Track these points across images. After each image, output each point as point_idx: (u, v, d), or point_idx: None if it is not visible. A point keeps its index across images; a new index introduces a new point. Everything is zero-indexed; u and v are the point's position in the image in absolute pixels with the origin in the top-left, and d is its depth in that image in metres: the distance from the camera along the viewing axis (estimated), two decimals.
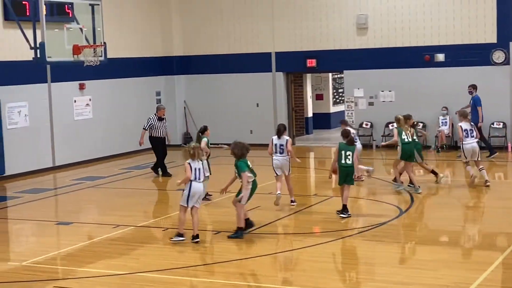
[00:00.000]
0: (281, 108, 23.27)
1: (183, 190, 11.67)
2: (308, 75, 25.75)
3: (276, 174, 13.92)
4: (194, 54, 24.14)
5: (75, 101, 20.73)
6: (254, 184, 11.87)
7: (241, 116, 23.40)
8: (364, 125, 22.21)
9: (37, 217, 14.24)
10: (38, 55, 15.71)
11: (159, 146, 18.28)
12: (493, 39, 20.58)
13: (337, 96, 27.85)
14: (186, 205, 11.58)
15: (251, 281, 10.05)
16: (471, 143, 15.44)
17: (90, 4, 16.91)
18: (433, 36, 21.23)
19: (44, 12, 15.61)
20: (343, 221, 12.81)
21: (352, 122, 22.06)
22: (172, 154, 22.42)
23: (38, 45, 15.66)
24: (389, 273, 9.96)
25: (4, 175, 18.38)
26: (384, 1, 21.67)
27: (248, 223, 12.05)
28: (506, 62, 20.52)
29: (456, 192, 15.55)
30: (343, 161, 13.01)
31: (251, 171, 11.77)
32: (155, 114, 18.31)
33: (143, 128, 18.31)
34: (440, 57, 21.24)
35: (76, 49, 16.13)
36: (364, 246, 11.38)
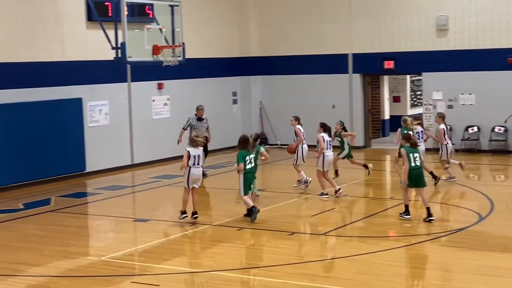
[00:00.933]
0: (357, 110, 23.09)
1: (184, 175, 13.07)
2: (386, 77, 25.45)
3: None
4: (270, 55, 24.21)
5: (153, 100, 21.09)
6: (250, 176, 13.17)
7: (316, 117, 23.09)
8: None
9: (116, 213, 14.54)
10: (119, 55, 16.08)
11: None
12: None
13: (415, 99, 27.43)
14: (187, 187, 13.11)
15: (325, 283, 9.99)
16: None
17: (170, 5, 17.22)
18: None
19: (126, 13, 15.98)
20: (408, 224, 12.61)
21: (430, 125, 21.71)
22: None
23: (119, 45, 16.03)
24: (467, 281, 9.72)
25: (85, 171, 18.85)
26: (466, 2, 21.22)
27: (253, 211, 12.96)
28: None
29: None
30: (412, 164, 12.81)
31: (251, 162, 13.11)
32: (195, 114, 18.40)
33: (183, 128, 18.37)
34: None
35: (156, 49, 16.44)
36: (441, 251, 11.16)
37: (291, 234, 12.33)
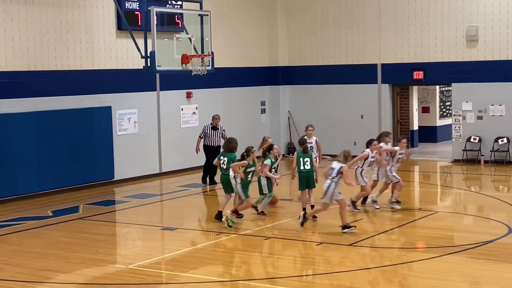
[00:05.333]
0: (386, 120, 22.98)
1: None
2: (415, 87, 25.31)
3: None
4: (299, 65, 24.21)
5: (182, 109, 21.19)
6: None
7: (345, 127, 23.25)
8: (472, 140, 21.61)
9: (143, 221, 14.61)
10: (149, 64, 16.18)
11: (209, 154, 18.32)
12: None
13: (444, 109, 27.25)
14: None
15: None
16: None
17: (199, 15, 17.29)
18: None
19: (155, 22, 16.08)
20: (437, 235, 12.48)
21: (460, 136, 21.59)
22: None
23: (148, 54, 16.13)
24: None
25: (114, 179, 18.98)
26: (496, 12, 21.05)
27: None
28: None
29: None
30: (301, 167, 14.05)
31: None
32: (210, 123, 18.47)
33: (199, 136, 18.58)
34: None
35: (185, 58, 16.51)
36: (470, 264, 11.04)
37: (318, 244, 12.29)
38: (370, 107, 23.07)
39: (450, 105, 25.03)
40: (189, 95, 21.32)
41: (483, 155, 21.45)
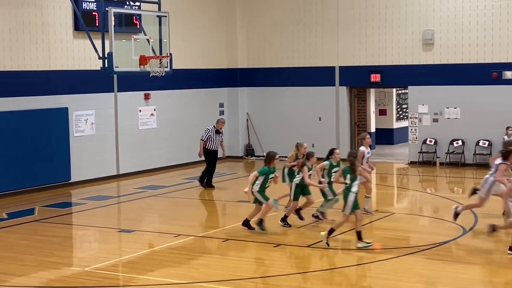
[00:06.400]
0: (343, 123, 23.17)
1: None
2: (372, 90, 25.57)
3: None
4: (258, 67, 24.27)
5: (140, 111, 21.06)
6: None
7: (303, 130, 23.35)
8: (428, 142, 21.91)
9: (100, 223, 14.49)
10: (106, 65, 16.05)
11: (211, 158, 18.27)
12: None
13: (400, 112, 27.57)
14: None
15: None
16: None
17: (157, 16, 17.21)
18: (501, 53, 20.82)
19: (113, 23, 15.96)
20: (393, 237, 12.63)
21: (416, 138, 21.89)
22: (234, 165, 22.56)
23: (106, 55, 16.00)
24: None
25: (70, 181, 18.77)
26: (452, 17, 21.38)
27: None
28: None
29: None
30: None
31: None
32: (213, 126, 18.38)
33: (201, 139, 18.35)
34: (508, 74, 20.80)
35: (143, 60, 16.42)
36: (425, 264, 11.19)
37: (276, 246, 12.33)
38: (328, 109, 23.22)
39: (406, 108, 25.36)
40: (147, 97, 21.21)
41: (438, 157, 21.76)
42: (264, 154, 23.54)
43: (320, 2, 23.14)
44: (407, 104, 24.16)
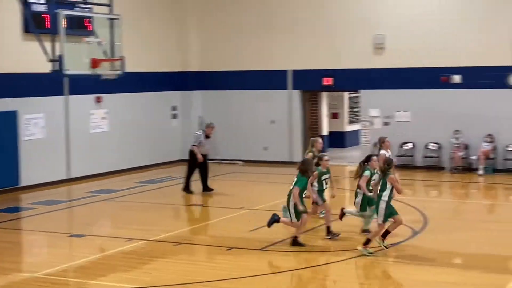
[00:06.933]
0: (296, 126, 23.28)
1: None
2: (324, 94, 25.75)
3: None
4: (210, 70, 24.24)
5: (91, 114, 20.84)
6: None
7: (256, 133, 23.42)
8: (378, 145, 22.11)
9: (51, 228, 14.29)
10: (56, 68, 15.82)
11: (203, 162, 17.78)
12: (510, 62, 20.51)
13: (352, 115, 27.84)
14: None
15: None
16: None
17: (109, 19, 17.04)
18: (450, 58, 21.18)
19: (64, 25, 15.74)
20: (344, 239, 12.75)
21: (367, 141, 22.10)
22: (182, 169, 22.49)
23: (56, 58, 15.79)
24: None
25: (19, 186, 18.47)
26: (402, 22, 21.67)
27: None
28: None
29: (468, 215, 15.44)
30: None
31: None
32: (203, 131, 18.18)
33: (193, 145, 17.85)
34: (457, 78, 21.20)
35: (94, 63, 16.22)
36: (378, 266, 11.30)
37: (229, 249, 12.32)
38: (281, 112, 23.32)
39: (358, 111, 25.61)
40: (98, 100, 21.00)
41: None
42: (217, 157, 23.64)
43: (273, 5, 23.24)
44: (359, 107, 24.41)
